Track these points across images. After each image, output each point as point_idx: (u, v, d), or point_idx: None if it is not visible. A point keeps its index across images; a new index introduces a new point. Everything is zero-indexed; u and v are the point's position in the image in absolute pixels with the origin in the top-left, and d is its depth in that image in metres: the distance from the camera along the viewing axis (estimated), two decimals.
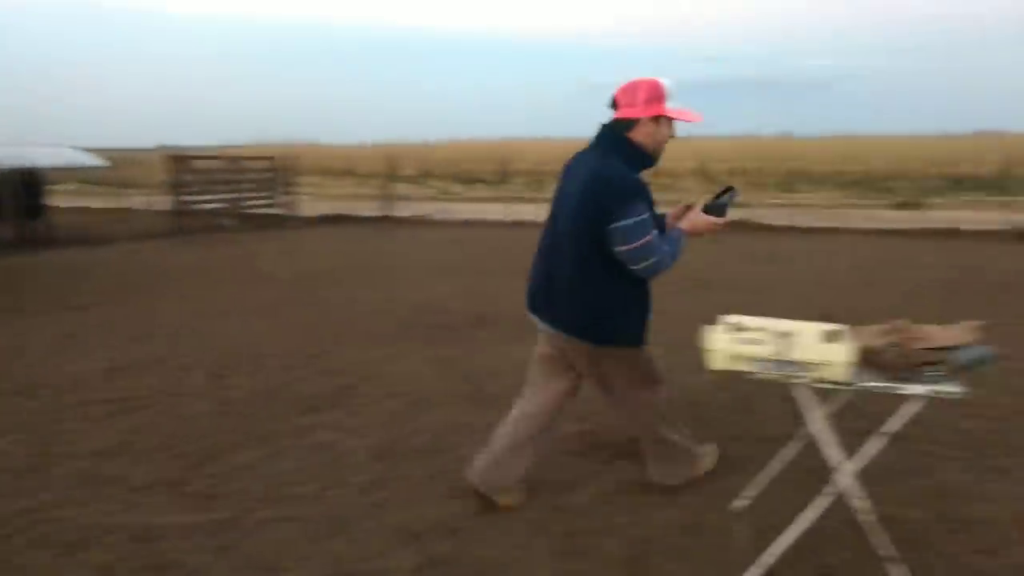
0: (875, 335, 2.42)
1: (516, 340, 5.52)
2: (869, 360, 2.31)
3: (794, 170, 25.79)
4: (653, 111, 2.65)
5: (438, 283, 7.82)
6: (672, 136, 2.73)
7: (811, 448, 2.77)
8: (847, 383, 2.23)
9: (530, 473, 3.17)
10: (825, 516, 2.66)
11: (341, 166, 30.33)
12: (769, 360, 2.24)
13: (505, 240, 11.20)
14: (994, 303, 6.69)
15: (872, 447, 2.38)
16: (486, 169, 28.11)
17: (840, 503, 2.48)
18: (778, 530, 2.63)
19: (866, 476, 3.24)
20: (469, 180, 26.00)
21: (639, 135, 2.68)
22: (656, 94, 2.64)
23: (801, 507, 2.50)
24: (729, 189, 2.83)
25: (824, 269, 8.71)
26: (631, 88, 2.67)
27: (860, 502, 2.41)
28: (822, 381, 2.24)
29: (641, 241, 2.56)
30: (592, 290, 2.69)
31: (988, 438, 3.69)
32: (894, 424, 2.31)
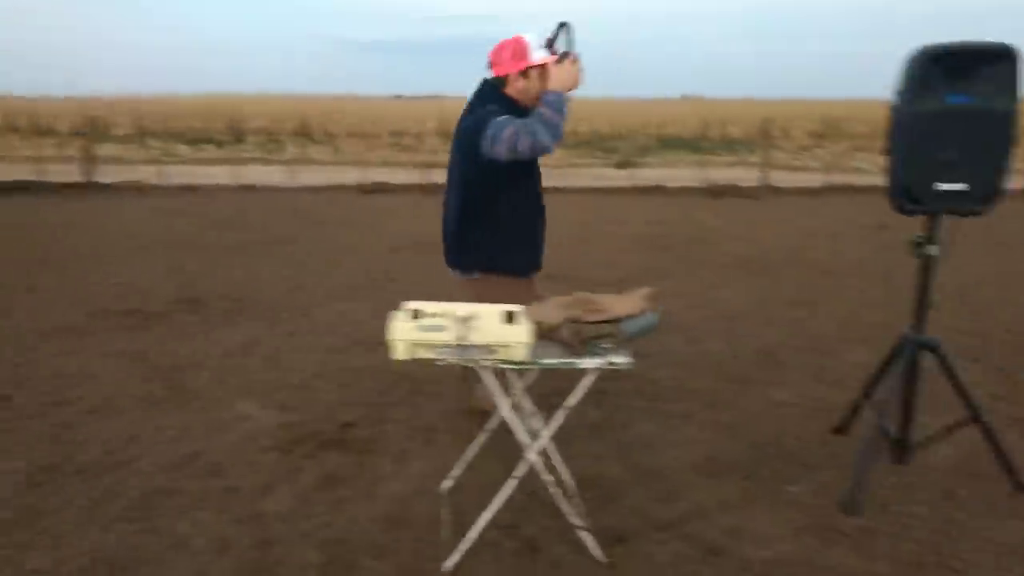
0: (556, 309, 2.42)
1: (227, 324, 5.04)
2: (547, 337, 2.30)
3: None
4: (519, 66, 2.86)
5: (143, 261, 6.93)
6: (539, 81, 2.87)
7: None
8: (528, 363, 2.20)
9: (224, 480, 2.85)
10: (527, 487, 2.69)
11: (32, 123, 26.05)
12: (451, 346, 2.13)
13: (230, 208, 10.30)
14: (687, 254, 7.45)
15: (556, 422, 2.40)
16: (214, 127, 25.84)
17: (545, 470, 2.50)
18: (483, 508, 2.61)
19: (568, 437, 3.38)
20: (195, 140, 23.68)
21: (511, 90, 2.91)
22: (519, 49, 2.84)
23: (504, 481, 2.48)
24: (562, 25, 2.86)
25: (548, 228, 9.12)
26: (498, 48, 2.89)
27: (546, 476, 2.42)
28: (504, 362, 2.20)
29: (509, 130, 2.66)
30: (474, 224, 2.96)
31: (671, 386, 4.02)
32: (574, 398, 2.34)
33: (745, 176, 13.85)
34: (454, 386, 3.83)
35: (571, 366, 2.24)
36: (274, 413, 3.65)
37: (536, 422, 2.45)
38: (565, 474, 2.95)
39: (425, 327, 2.11)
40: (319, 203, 10.87)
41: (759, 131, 15.47)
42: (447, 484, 2.90)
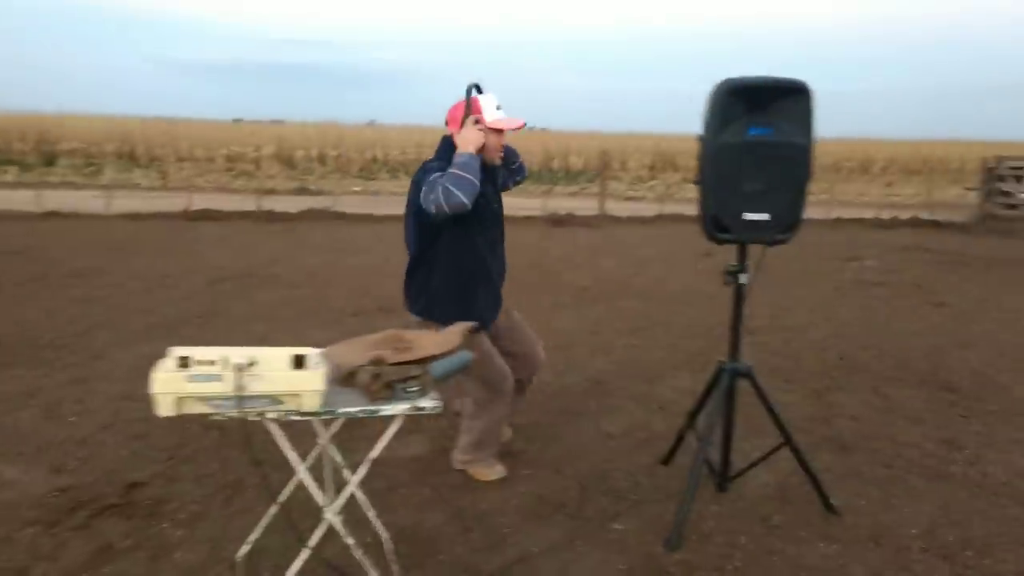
0: (359, 350, 2.20)
1: (1, 371, 4.36)
2: (348, 382, 2.07)
3: (377, 157, 26.55)
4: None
5: None
6: (501, 143, 2.97)
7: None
8: (321, 412, 1.95)
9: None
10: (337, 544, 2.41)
11: None
12: (228, 398, 1.85)
13: (27, 237, 9.20)
14: (525, 283, 7.44)
15: (358, 475, 2.16)
16: (20, 148, 23.36)
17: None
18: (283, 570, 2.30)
19: (390, 483, 3.14)
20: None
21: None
22: (472, 107, 2.87)
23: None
24: (470, 89, 2.90)
25: (390, 257, 8.84)
26: (454, 108, 2.96)
27: (349, 540, 2.17)
28: (294, 414, 1.93)
29: (427, 185, 2.74)
30: (416, 270, 3.06)
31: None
32: (377, 450, 2.11)
33: (585, 206, 14.27)
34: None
35: (372, 415, 2.01)
36: (43, 477, 3.13)
37: (317, 494, 2.19)
38: (380, 529, 2.70)
39: (195, 377, 1.81)
40: (137, 232, 9.96)
41: (598, 162, 16.04)
42: (244, 550, 2.56)
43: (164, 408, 1.82)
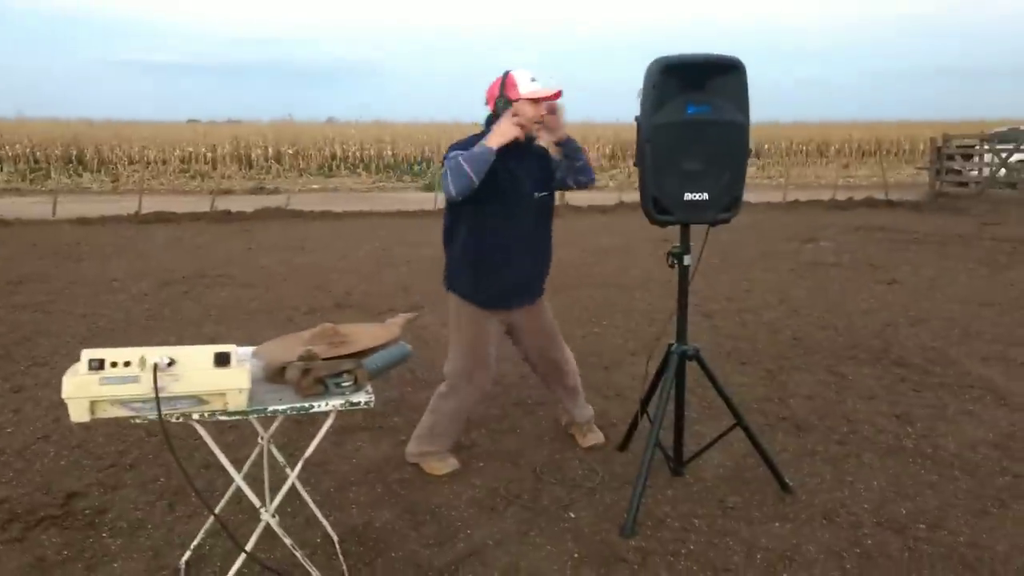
0: (291, 345, 2.12)
1: None
2: (278, 379, 2.00)
3: (336, 154, 26.22)
4: (494, 100, 2.91)
5: None
6: (540, 115, 2.87)
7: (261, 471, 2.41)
8: (249, 411, 1.87)
9: None
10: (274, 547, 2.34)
11: None
12: (147, 400, 1.76)
13: None
14: None
15: (293, 475, 2.09)
16: None
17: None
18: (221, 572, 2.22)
19: (341, 483, 3.07)
20: None
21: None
22: (506, 82, 2.86)
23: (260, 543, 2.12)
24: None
25: (348, 254, 8.72)
26: (491, 86, 2.95)
27: (287, 539, 2.10)
28: (220, 414, 1.85)
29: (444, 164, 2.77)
30: (447, 243, 3.12)
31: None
32: (311, 449, 2.04)
33: None
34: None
35: (304, 411, 1.94)
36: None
37: (253, 496, 2.11)
38: (329, 528, 2.64)
39: (109, 380, 1.72)
40: (84, 236, 9.69)
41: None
42: (186, 556, 2.47)
43: (77, 413, 1.73)
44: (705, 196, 2.62)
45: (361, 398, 1.97)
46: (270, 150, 25.32)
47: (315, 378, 1.94)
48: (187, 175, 21.41)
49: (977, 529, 2.73)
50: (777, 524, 2.78)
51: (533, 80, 2.87)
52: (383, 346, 2.20)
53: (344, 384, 1.98)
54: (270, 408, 1.91)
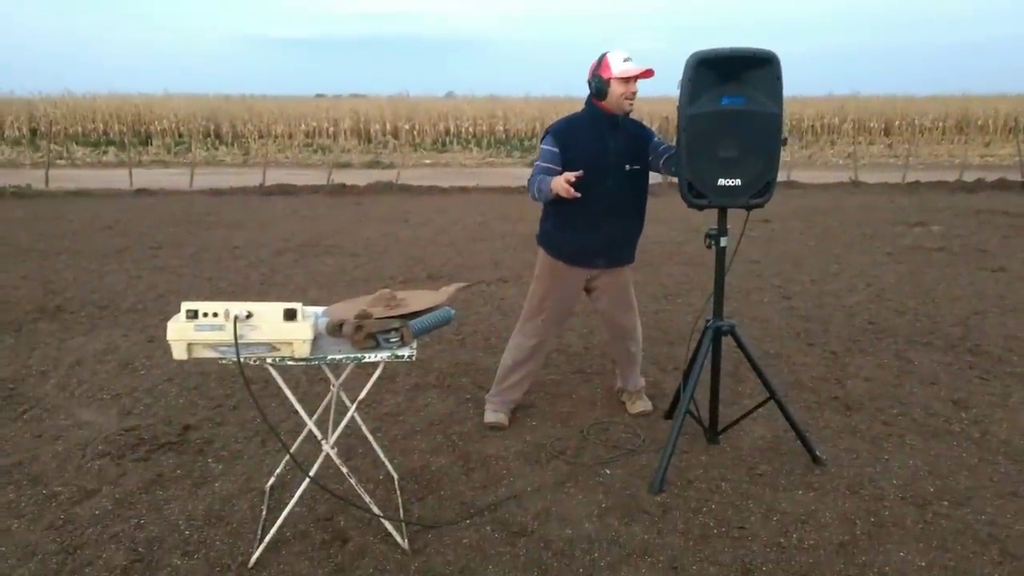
0: (353, 306, 2.51)
1: (87, 332, 4.94)
2: (336, 333, 2.38)
3: (449, 129, 26.97)
4: (593, 76, 3.19)
5: (9, 269, 6.69)
6: (631, 91, 3.16)
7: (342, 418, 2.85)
8: (311, 358, 2.27)
9: (44, 488, 2.85)
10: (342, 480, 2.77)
11: None
12: (230, 344, 2.19)
13: (118, 212, 10.02)
14: None
15: (346, 418, 2.48)
16: (115, 129, 24.92)
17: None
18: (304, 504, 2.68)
19: (407, 432, 3.47)
20: (97, 142, 22.81)
21: (600, 99, 3.21)
22: (602, 63, 3.16)
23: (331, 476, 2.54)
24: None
25: (448, 228, 9.20)
26: (591, 66, 3.22)
27: (343, 468, 2.50)
28: (288, 359, 2.26)
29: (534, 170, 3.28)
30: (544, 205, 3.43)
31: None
32: (364, 392, 2.42)
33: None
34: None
35: (356, 360, 2.32)
36: (115, 419, 3.61)
37: (315, 430, 2.51)
38: (390, 468, 3.05)
39: (202, 327, 2.16)
40: (215, 206, 10.67)
41: (659, 128, 15.90)
42: (270, 482, 2.95)
43: (177, 352, 2.18)
44: (738, 182, 2.79)
45: (405, 352, 2.32)
46: (388, 125, 26.38)
47: (367, 334, 2.31)
48: (310, 149, 22.71)
49: (1002, 510, 2.79)
50: (800, 492, 2.94)
51: (626, 60, 3.14)
52: (430, 310, 2.54)
53: (392, 340, 2.34)
54: (329, 356, 2.30)
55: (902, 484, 2.99)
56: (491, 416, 3.55)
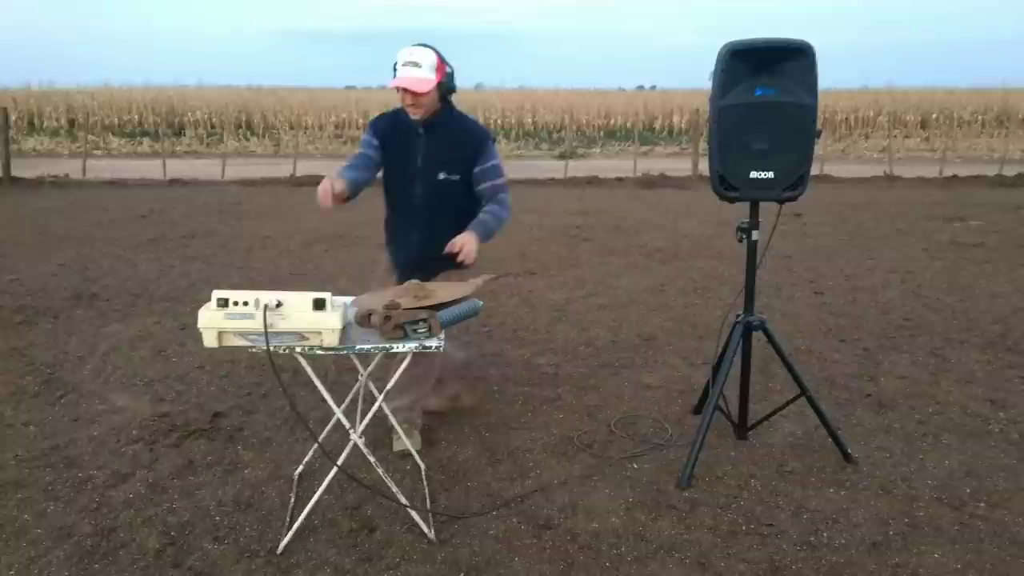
0: (381, 297, 2.51)
1: (122, 318, 5.03)
2: (364, 323, 2.39)
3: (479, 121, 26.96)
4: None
5: (47, 257, 6.84)
6: (407, 102, 2.94)
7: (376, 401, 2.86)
8: (339, 348, 2.28)
9: (80, 471, 2.91)
10: (370, 469, 2.79)
11: None
12: (260, 333, 2.20)
13: (152, 202, 10.17)
14: (602, 244, 7.60)
15: (374, 407, 2.49)
16: (150, 120, 25.31)
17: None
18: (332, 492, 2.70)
19: (434, 423, 3.48)
20: (131, 133, 23.19)
21: None
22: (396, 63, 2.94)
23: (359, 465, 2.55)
24: None
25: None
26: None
27: (371, 457, 2.51)
28: (317, 349, 2.27)
29: None
30: None
31: (548, 372, 4.14)
32: (391, 383, 2.43)
33: (681, 167, 14.11)
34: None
35: (384, 350, 2.33)
36: (148, 405, 3.67)
37: (343, 418, 2.53)
38: (417, 458, 3.06)
39: (233, 315, 2.18)
40: (246, 196, 10.79)
41: (690, 121, 15.74)
42: (299, 469, 2.98)
43: (208, 340, 2.21)
44: (771, 174, 2.74)
45: (433, 343, 2.33)
46: None
47: (395, 324, 2.31)
48: (340, 140, 22.85)
49: None
50: (831, 490, 2.90)
51: (405, 64, 2.88)
52: (458, 301, 2.54)
53: (420, 331, 2.34)
54: (357, 346, 2.31)
55: (937, 484, 2.93)
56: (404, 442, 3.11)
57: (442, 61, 2.95)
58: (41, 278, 6.05)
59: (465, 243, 2.82)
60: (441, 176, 3.02)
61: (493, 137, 3.20)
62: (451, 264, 2.93)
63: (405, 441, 3.03)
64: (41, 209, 9.54)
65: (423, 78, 2.87)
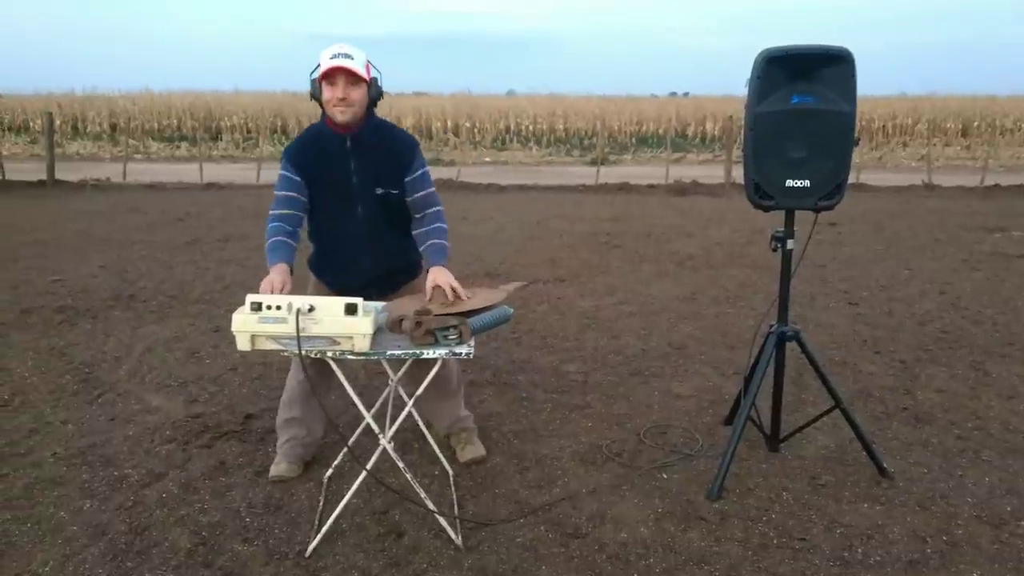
0: (412, 303, 2.52)
1: (158, 320, 5.12)
2: (395, 329, 2.40)
3: (509, 127, 27.03)
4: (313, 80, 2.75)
5: (87, 259, 6.99)
6: (337, 96, 2.66)
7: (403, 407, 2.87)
8: (370, 353, 2.29)
9: (115, 470, 2.96)
10: (399, 474, 2.80)
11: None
12: (292, 337, 2.23)
13: (189, 206, 10.36)
14: (633, 251, 7.56)
15: (403, 413, 2.50)
16: (188, 125, 25.80)
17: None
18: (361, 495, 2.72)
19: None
20: (170, 138, 23.65)
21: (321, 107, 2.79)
22: (319, 64, 2.69)
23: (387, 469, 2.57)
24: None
25: (506, 226, 9.21)
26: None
27: (399, 463, 2.52)
28: (348, 353, 2.29)
29: None
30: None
31: (577, 379, 4.12)
32: (421, 389, 2.43)
33: (714, 173, 14.00)
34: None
35: (414, 356, 2.34)
36: (181, 406, 3.73)
37: (374, 424, 2.54)
38: (445, 464, 3.06)
39: (266, 319, 2.20)
40: None
41: (723, 127, 15.59)
42: (328, 472, 2.99)
43: (241, 344, 2.23)
44: (807, 183, 2.70)
45: (463, 350, 2.33)
46: (449, 122, 26.58)
47: (426, 330, 2.32)
48: None
49: None
50: (866, 505, 2.84)
51: (338, 55, 2.65)
52: (489, 308, 2.54)
53: (451, 337, 2.35)
54: (388, 352, 2.32)
55: (977, 502, 2.86)
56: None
57: (370, 64, 2.76)
58: (82, 279, 6.19)
59: (448, 282, 2.61)
60: (379, 191, 2.82)
61: (418, 142, 3.02)
62: (412, 275, 2.98)
63: (475, 449, 3.19)
64: (83, 212, 9.76)
65: (359, 68, 2.66)
